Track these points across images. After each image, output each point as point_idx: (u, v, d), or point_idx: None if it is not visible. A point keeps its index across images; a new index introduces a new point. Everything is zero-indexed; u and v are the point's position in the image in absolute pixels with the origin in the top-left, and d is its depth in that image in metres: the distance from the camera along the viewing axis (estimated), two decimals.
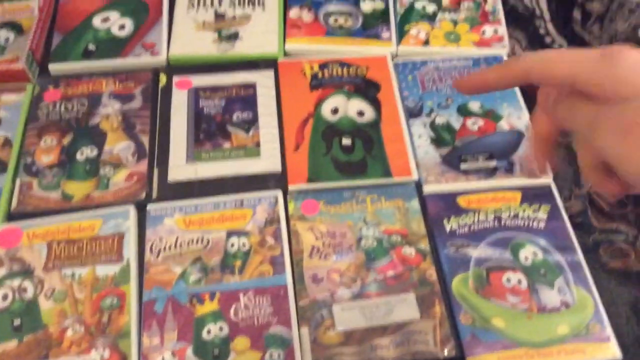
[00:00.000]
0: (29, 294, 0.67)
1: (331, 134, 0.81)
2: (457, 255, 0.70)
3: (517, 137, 0.80)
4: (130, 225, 0.72)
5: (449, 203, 0.74)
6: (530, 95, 0.85)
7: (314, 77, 0.87)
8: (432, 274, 0.69)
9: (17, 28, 0.89)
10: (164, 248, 0.71)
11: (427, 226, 0.73)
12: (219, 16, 0.93)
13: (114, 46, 0.88)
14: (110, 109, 0.82)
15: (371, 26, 0.93)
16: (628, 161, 0.34)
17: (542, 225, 0.73)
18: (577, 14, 0.91)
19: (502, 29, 0.92)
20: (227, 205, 0.74)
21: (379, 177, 0.77)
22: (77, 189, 0.75)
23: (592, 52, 0.37)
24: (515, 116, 0.82)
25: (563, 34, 0.91)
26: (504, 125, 0.81)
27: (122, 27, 0.90)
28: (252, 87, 0.86)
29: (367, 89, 0.86)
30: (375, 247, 0.71)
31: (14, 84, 0.85)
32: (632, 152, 0.34)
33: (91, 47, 0.88)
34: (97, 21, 0.91)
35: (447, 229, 0.72)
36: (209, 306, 0.67)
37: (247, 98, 0.85)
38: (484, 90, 0.44)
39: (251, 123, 0.82)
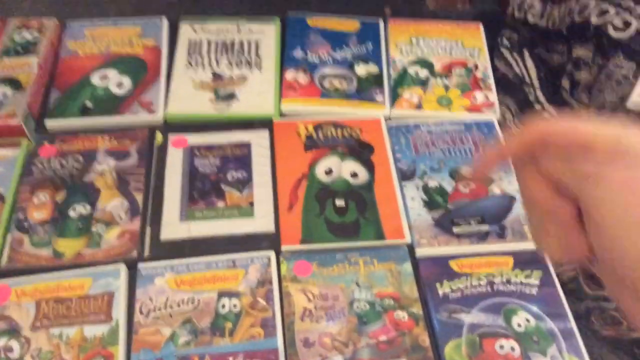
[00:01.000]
0: (15, 354, 0.66)
1: (325, 195, 0.82)
2: (450, 321, 0.70)
3: (508, 201, 0.81)
4: (120, 284, 0.71)
5: (442, 267, 0.75)
6: None
7: (309, 137, 0.88)
8: (424, 339, 0.69)
9: (15, 84, 0.90)
10: (154, 308, 0.70)
11: (419, 290, 0.73)
12: (217, 76, 0.95)
13: (111, 103, 0.90)
14: (105, 166, 0.83)
15: (365, 89, 0.95)
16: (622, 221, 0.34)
17: (534, 291, 0.73)
18: (565, 83, 0.93)
19: (493, 95, 0.94)
20: (220, 265, 0.74)
21: (371, 239, 0.77)
22: (69, 246, 0.74)
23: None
24: (506, 180, 0.83)
25: (552, 101, 0.94)
26: (495, 189, 0.83)
27: (120, 85, 0.92)
28: (247, 146, 0.87)
29: (361, 150, 0.87)
30: (367, 310, 0.71)
31: (10, 139, 0.85)
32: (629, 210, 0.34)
33: (89, 104, 0.89)
34: (95, 79, 0.92)
35: (440, 293, 0.72)
36: None
37: (242, 157, 0.85)
38: (504, 159, 0.43)
39: (245, 183, 0.83)
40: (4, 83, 0.90)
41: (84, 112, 0.89)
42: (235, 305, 0.70)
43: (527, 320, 0.70)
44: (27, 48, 0.95)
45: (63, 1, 1.09)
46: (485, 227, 0.78)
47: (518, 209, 0.80)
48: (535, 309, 0.71)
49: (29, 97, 0.88)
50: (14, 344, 0.66)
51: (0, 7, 1.08)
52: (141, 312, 0.69)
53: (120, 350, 0.66)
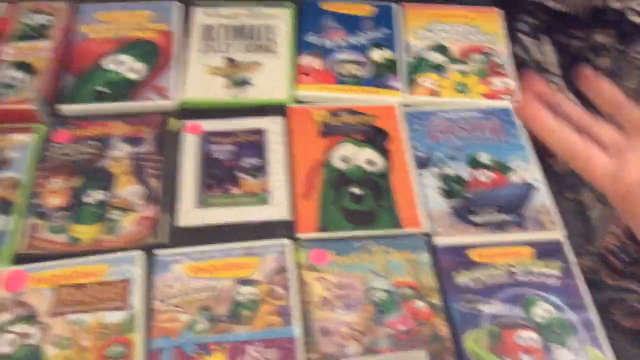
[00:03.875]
0: (34, 340, 0.66)
1: (341, 182, 0.81)
2: (468, 311, 0.70)
3: (527, 190, 0.80)
4: (137, 271, 0.71)
5: (460, 256, 0.74)
6: (540, 149, 0.86)
7: (324, 124, 0.87)
8: (443, 329, 0.68)
9: (29, 68, 0.89)
10: (171, 295, 0.70)
11: (437, 279, 0.72)
12: (231, 61, 0.94)
13: (125, 89, 0.89)
14: (120, 152, 0.82)
15: (381, 75, 0.94)
16: None
17: (554, 281, 0.72)
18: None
19: (511, 82, 0.93)
20: (236, 253, 0.74)
21: (388, 228, 0.77)
22: (85, 232, 0.74)
23: None
24: (525, 169, 0.82)
25: (572, 89, 0.93)
26: (514, 178, 0.82)
27: (133, 70, 0.91)
28: (261, 133, 0.86)
29: (376, 138, 0.86)
30: (385, 299, 0.70)
31: (24, 124, 0.85)
32: None
33: (102, 89, 0.88)
34: (108, 63, 0.91)
35: (459, 282, 0.72)
36: (216, 357, 0.65)
37: (256, 144, 0.85)
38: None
39: (260, 169, 0.82)
40: (17, 67, 0.89)
41: (98, 97, 0.88)
42: (252, 293, 0.70)
43: (548, 311, 0.70)
44: (39, 32, 0.94)
45: None
46: (504, 217, 0.77)
47: (538, 198, 0.79)
48: (555, 299, 0.71)
49: (43, 82, 0.87)
50: (32, 330, 0.66)
51: None
52: (159, 299, 0.69)
53: (138, 337, 0.66)
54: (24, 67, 0.89)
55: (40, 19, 0.96)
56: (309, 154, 0.84)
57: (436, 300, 0.70)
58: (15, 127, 0.84)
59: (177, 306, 0.69)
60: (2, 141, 0.83)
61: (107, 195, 0.77)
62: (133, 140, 0.83)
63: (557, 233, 0.77)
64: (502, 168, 0.83)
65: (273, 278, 0.72)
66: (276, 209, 0.78)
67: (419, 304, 0.70)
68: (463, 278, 0.72)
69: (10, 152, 0.82)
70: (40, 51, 0.91)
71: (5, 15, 0.96)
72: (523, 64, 0.97)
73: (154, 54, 0.93)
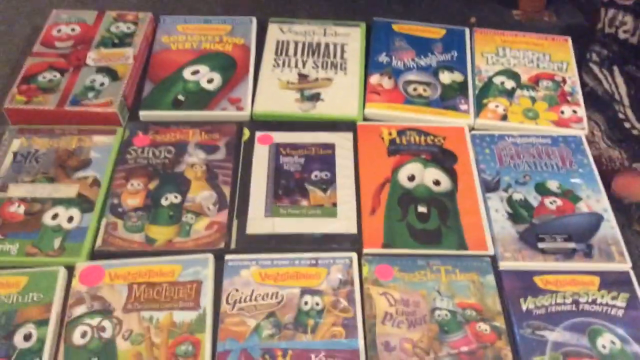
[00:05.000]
0: (107, 333, 0.68)
1: (407, 200, 0.82)
2: (533, 337, 0.69)
3: (596, 220, 0.80)
4: (208, 273, 0.73)
5: (526, 282, 0.74)
6: (608, 179, 0.85)
7: (392, 142, 0.89)
8: (507, 354, 0.68)
9: (112, 74, 0.93)
10: (240, 299, 0.72)
11: (502, 303, 0.72)
12: (303, 77, 0.96)
13: (201, 98, 0.92)
14: (195, 158, 0.85)
15: (449, 97, 0.95)
16: None
17: (620, 313, 0.71)
18: None
19: (581, 111, 0.93)
20: (302, 263, 0.75)
21: (453, 248, 0.77)
22: (160, 233, 0.77)
23: None
24: (594, 198, 0.82)
25: None
26: (582, 206, 0.81)
27: (210, 80, 0.94)
28: (331, 147, 0.88)
29: (444, 158, 0.87)
30: (449, 319, 0.71)
31: (105, 126, 0.89)
32: None
33: (180, 97, 0.92)
34: (187, 73, 0.95)
35: (524, 308, 0.72)
36: None
37: (326, 158, 0.87)
38: None
39: (329, 183, 0.84)
40: (102, 72, 0.93)
41: (176, 105, 0.91)
42: (317, 303, 0.72)
43: (613, 343, 0.69)
44: (123, 40, 0.99)
45: None
46: (571, 245, 0.77)
47: (606, 229, 0.79)
48: (621, 331, 0.70)
49: (125, 87, 0.91)
50: (107, 324, 0.69)
51: (98, 0, 1.12)
52: (227, 302, 0.71)
53: (207, 338, 0.68)
54: (107, 72, 0.94)
55: (124, 28, 1.01)
56: (376, 171, 0.85)
57: (500, 324, 0.70)
58: (97, 129, 0.88)
59: (244, 310, 0.71)
60: (85, 142, 0.87)
61: (182, 199, 0.80)
62: (207, 148, 0.86)
63: (624, 264, 0.76)
64: (570, 196, 0.82)
65: (338, 290, 0.73)
66: (343, 223, 0.79)
67: (483, 327, 0.70)
68: (528, 304, 0.72)
69: (91, 153, 0.86)
70: (123, 58, 0.96)
71: (93, 22, 1.01)
72: (592, 93, 0.96)
73: (230, 66, 0.96)
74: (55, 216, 0.78)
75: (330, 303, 0.72)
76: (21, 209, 0.79)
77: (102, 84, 0.92)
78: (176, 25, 1.02)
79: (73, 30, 1.00)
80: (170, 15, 1.04)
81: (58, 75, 0.92)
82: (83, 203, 0.80)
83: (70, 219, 0.78)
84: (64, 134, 0.87)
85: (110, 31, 1.00)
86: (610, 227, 0.79)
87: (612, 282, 0.74)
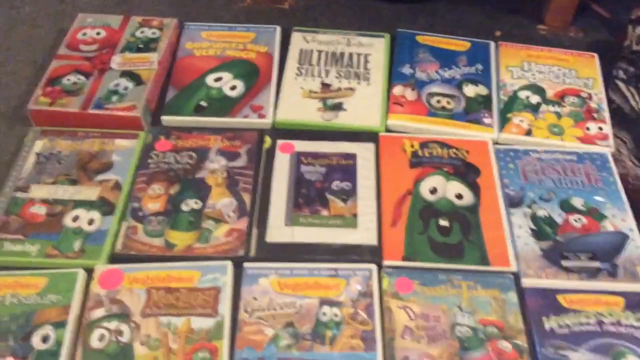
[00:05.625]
0: (125, 338, 0.68)
1: (429, 213, 0.81)
2: (556, 357, 0.68)
3: (621, 239, 0.78)
4: (227, 280, 0.73)
5: (549, 300, 0.72)
6: (634, 198, 0.84)
7: (414, 154, 0.88)
8: None
9: (136, 78, 0.94)
10: (258, 308, 0.71)
11: (525, 321, 0.71)
12: (325, 86, 0.96)
13: (224, 105, 0.92)
14: (216, 164, 0.85)
15: (473, 111, 0.94)
16: None
17: None
18: None
19: (607, 128, 0.92)
20: (322, 273, 0.75)
21: (475, 264, 0.76)
22: (180, 238, 0.77)
23: None
24: (619, 217, 0.81)
25: None
26: (607, 225, 0.80)
27: (233, 87, 0.94)
28: (352, 157, 0.87)
29: (467, 172, 0.86)
30: (470, 336, 0.69)
31: (128, 130, 0.89)
32: None
33: (203, 103, 0.92)
34: (210, 80, 0.95)
35: (547, 327, 0.70)
36: None
37: (347, 168, 0.86)
38: None
39: (350, 193, 0.83)
40: (126, 76, 0.94)
41: (198, 111, 0.91)
42: (336, 315, 0.71)
43: None
44: (147, 45, 0.99)
45: (180, 3, 1.13)
46: (596, 264, 0.76)
47: (631, 248, 0.77)
48: None
49: (148, 92, 0.92)
50: (125, 328, 0.69)
51: (123, 5, 1.13)
52: (245, 311, 0.71)
53: (224, 345, 0.68)
54: (131, 76, 0.94)
55: (149, 33, 1.01)
56: (398, 183, 0.84)
57: (522, 342, 0.69)
58: (120, 133, 0.89)
59: (262, 319, 0.70)
60: (107, 145, 0.87)
61: (202, 205, 0.80)
62: (229, 154, 0.86)
63: None
64: (595, 214, 0.81)
65: (357, 302, 0.72)
66: (364, 234, 0.79)
67: (505, 345, 0.69)
68: (551, 323, 0.71)
69: (113, 156, 0.86)
70: (147, 63, 0.96)
71: (118, 27, 1.02)
72: (619, 111, 0.95)
73: (253, 73, 0.96)
74: (76, 218, 0.78)
75: (349, 315, 0.71)
76: (43, 210, 0.79)
77: (125, 88, 0.92)
78: (200, 32, 1.03)
79: (98, 34, 1.00)
80: (195, 22, 1.04)
81: (82, 78, 0.93)
82: (104, 206, 0.80)
83: (91, 222, 0.78)
84: (86, 137, 0.88)
85: (135, 36, 1.01)
86: (635, 247, 0.78)
87: (638, 303, 0.73)
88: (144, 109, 0.90)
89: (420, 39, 1.04)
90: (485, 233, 0.79)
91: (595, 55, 1.03)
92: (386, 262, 0.76)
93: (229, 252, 0.76)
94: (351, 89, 0.96)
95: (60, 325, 0.69)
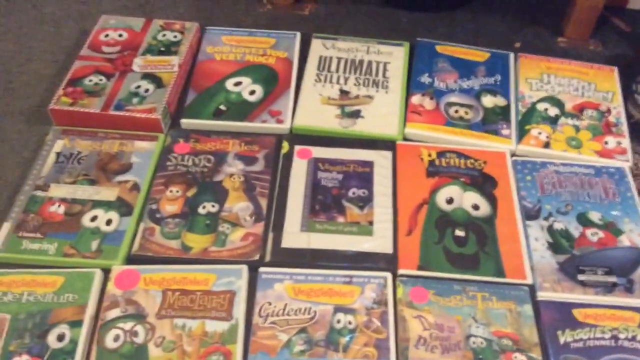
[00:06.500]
0: (140, 339, 0.68)
1: (445, 223, 0.81)
2: None
3: (638, 254, 0.78)
4: (242, 285, 0.73)
5: (564, 314, 0.72)
6: None
7: (431, 163, 0.88)
8: None
9: (157, 81, 0.95)
10: (272, 313, 0.71)
11: (540, 335, 0.70)
12: (344, 93, 0.96)
13: (243, 109, 0.93)
14: (234, 168, 0.85)
15: (491, 121, 0.94)
16: None
17: None
18: None
19: (626, 142, 0.91)
20: (336, 280, 0.75)
21: (491, 275, 0.76)
22: (197, 241, 0.77)
23: None
24: (636, 232, 0.80)
25: None
26: (625, 240, 0.79)
27: (252, 92, 0.95)
28: (369, 165, 0.88)
29: (483, 183, 0.86)
30: (484, 348, 0.69)
31: (147, 132, 0.90)
32: None
33: (222, 107, 0.93)
34: (230, 84, 0.96)
35: (561, 340, 0.70)
36: None
37: (364, 175, 0.86)
38: None
39: (366, 201, 0.83)
40: (147, 79, 0.95)
41: (217, 115, 0.92)
42: (350, 322, 0.71)
43: None
44: (169, 48, 1.00)
45: (201, 8, 1.14)
46: (612, 279, 0.75)
47: None
48: None
49: (168, 95, 0.92)
50: (140, 329, 0.69)
51: (145, 8, 1.14)
52: (260, 315, 0.71)
53: (238, 349, 0.68)
54: (152, 79, 0.95)
55: (171, 36, 1.02)
56: (414, 192, 0.84)
57: (537, 355, 0.69)
58: (139, 135, 0.89)
59: (276, 324, 0.70)
60: (126, 146, 0.88)
61: (219, 209, 0.81)
62: (246, 159, 0.87)
63: None
64: (613, 229, 0.80)
65: (371, 310, 0.72)
66: (379, 242, 0.79)
67: (519, 358, 0.69)
68: (566, 336, 0.70)
69: (133, 157, 0.87)
70: (169, 66, 0.97)
71: (140, 29, 1.03)
72: (638, 125, 0.95)
73: (272, 79, 0.97)
74: (94, 218, 0.79)
75: (362, 322, 0.71)
76: (61, 209, 0.80)
77: (146, 90, 0.93)
78: (221, 36, 1.04)
79: (120, 35, 1.01)
80: (216, 27, 1.05)
81: (104, 79, 0.94)
82: (122, 207, 0.81)
83: (109, 222, 0.79)
84: (106, 138, 0.88)
85: (156, 39, 1.02)
86: None
87: None
88: (163, 112, 0.90)
89: (440, 48, 1.04)
90: (501, 245, 0.79)
91: (615, 68, 1.03)
92: (401, 271, 0.76)
93: (244, 256, 0.76)
94: (369, 97, 0.96)
95: (75, 324, 0.69)
